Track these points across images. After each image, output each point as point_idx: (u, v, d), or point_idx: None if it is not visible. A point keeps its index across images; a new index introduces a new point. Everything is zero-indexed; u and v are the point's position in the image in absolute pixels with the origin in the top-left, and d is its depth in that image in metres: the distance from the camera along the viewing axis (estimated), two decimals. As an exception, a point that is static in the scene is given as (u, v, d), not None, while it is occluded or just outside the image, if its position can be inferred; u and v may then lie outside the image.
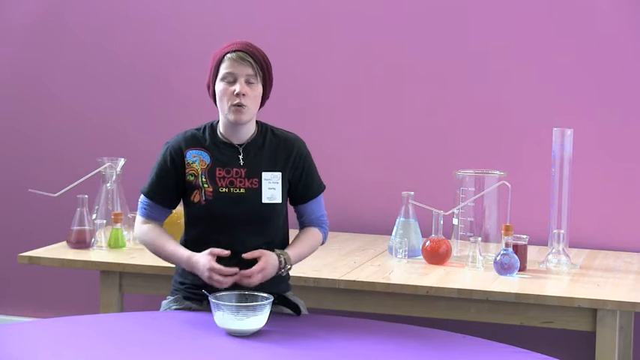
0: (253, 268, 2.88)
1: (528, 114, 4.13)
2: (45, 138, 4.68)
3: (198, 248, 3.00)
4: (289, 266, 2.98)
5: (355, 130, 4.32)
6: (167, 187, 3.01)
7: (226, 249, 2.95)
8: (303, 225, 3.13)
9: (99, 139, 4.58)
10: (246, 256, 2.90)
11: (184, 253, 2.96)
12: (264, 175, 2.98)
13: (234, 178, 2.98)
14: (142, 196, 3.07)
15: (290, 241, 3.07)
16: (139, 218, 3.09)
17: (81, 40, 4.61)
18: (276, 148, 3.03)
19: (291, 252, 2.99)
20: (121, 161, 3.89)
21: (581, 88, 4.08)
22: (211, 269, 2.86)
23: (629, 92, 4.03)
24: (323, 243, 3.14)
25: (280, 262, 2.94)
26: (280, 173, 3.00)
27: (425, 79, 4.24)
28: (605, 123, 4.06)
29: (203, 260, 2.89)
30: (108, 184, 3.86)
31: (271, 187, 2.98)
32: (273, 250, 2.96)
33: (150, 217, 3.06)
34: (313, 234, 3.09)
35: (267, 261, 2.90)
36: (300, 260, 3.05)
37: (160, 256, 3.04)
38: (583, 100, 4.08)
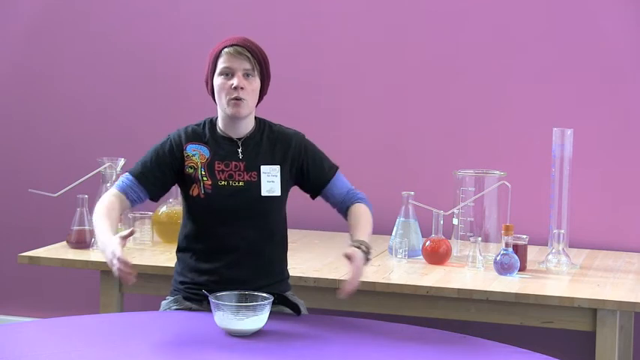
0: (350, 276, 2.81)
1: (528, 114, 4.13)
2: (45, 138, 4.68)
3: (197, 242, 3.01)
4: (371, 250, 2.91)
5: (355, 129, 4.32)
6: (158, 174, 2.98)
7: (226, 243, 2.97)
8: (341, 208, 3.08)
9: (99, 139, 4.58)
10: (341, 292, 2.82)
11: (102, 231, 2.82)
12: (263, 168, 2.99)
13: (234, 172, 2.98)
14: (126, 174, 2.99)
15: (352, 228, 2.98)
16: (112, 190, 2.96)
17: (80, 41, 4.61)
18: (275, 142, 3.03)
19: (363, 237, 2.92)
20: (121, 161, 3.88)
21: (581, 88, 4.08)
22: (116, 257, 2.67)
23: (628, 92, 4.03)
24: (372, 213, 3.07)
25: (364, 252, 2.86)
26: (279, 166, 3.00)
27: (425, 79, 4.24)
28: (605, 123, 4.06)
29: (113, 243, 2.70)
30: (108, 184, 3.85)
31: (270, 180, 2.99)
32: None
33: (126, 193, 2.96)
34: (361, 210, 3.03)
35: (357, 266, 2.82)
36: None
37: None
38: (583, 100, 4.08)
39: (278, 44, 4.17)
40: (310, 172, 3.05)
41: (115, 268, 2.69)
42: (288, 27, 4.36)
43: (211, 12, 4.43)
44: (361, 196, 3.10)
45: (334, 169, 3.10)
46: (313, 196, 3.12)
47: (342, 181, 3.10)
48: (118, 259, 2.66)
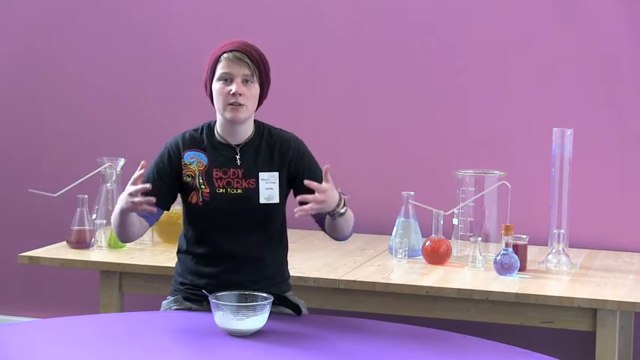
0: (322, 184, 2.78)
1: (528, 114, 4.13)
2: (45, 138, 4.68)
3: (197, 247, 3.01)
4: (345, 208, 2.88)
5: (355, 130, 4.32)
6: (163, 187, 2.97)
7: (225, 249, 2.96)
8: (321, 217, 2.98)
9: (99, 139, 4.58)
10: (308, 183, 2.80)
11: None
12: (262, 175, 2.97)
13: (232, 179, 2.97)
14: None
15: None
16: None
17: (81, 40, 4.61)
18: (273, 148, 3.01)
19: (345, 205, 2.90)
20: (121, 161, 3.89)
21: (581, 88, 4.08)
22: (128, 193, 2.79)
23: (629, 92, 4.03)
24: (353, 226, 3.03)
25: (340, 197, 2.86)
26: (277, 173, 2.99)
27: (425, 78, 4.24)
28: (605, 123, 4.06)
29: (126, 190, 2.81)
30: (108, 184, 3.86)
31: (269, 187, 2.97)
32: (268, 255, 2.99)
33: (139, 214, 2.94)
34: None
35: (331, 187, 2.81)
36: (346, 222, 2.93)
37: (117, 223, 2.92)
38: (583, 100, 4.08)
39: (277, 45, 4.18)
40: (304, 178, 2.96)
41: (134, 201, 2.77)
42: (287, 28, 4.36)
43: (212, 12, 4.43)
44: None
45: None
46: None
47: None
48: (130, 194, 2.76)
